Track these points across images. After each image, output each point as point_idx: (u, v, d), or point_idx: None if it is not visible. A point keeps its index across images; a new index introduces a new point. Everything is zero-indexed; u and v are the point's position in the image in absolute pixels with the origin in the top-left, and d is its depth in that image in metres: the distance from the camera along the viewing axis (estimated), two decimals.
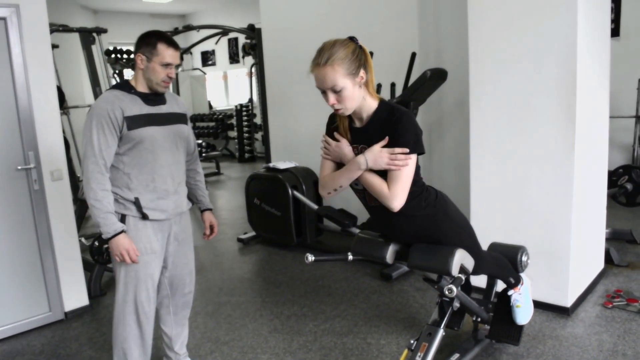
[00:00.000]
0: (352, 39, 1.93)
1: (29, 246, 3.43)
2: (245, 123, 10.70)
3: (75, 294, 3.68)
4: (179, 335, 2.77)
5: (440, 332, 2.29)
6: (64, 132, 4.92)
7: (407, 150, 1.92)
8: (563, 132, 3.02)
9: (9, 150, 3.31)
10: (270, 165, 4.94)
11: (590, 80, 3.17)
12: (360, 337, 3.12)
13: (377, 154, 1.95)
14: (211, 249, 5.08)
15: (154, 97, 2.43)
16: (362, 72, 1.92)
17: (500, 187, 3.33)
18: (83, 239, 4.28)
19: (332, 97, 1.93)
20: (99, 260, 3.97)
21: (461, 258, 2.11)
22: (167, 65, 2.35)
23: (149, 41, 2.34)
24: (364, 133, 2.03)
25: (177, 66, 2.42)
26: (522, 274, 2.70)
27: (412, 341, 2.31)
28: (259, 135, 10.73)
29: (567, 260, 3.15)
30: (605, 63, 3.46)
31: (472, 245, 2.23)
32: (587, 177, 3.26)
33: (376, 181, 1.98)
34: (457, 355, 2.62)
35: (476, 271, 2.30)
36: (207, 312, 3.59)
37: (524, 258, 2.65)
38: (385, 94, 4.15)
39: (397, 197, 1.95)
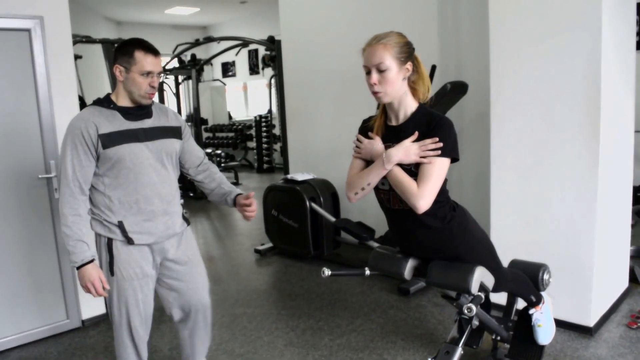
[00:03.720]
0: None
1: (48, 254, 3.46)
2: (264, 134, 10.74)
3: (92, 302, 3.68)
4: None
5: (459, 351, 2.23)
6: None
7: (437, 140, 1.91)
8: (587, 147, 2.96)
9: (31, 159, 3.35)
10: (289, 176, 4.93)
11: (615, 94, 3.11)
12: (376, 353, 3.07)
13: (408, 147, 1.94)
14: (228, 260, 5.08)
15: (137, 110, 2.24)
16: (409, 65, 1.96)
17: (521, 202, 3.27)
18: None
19: (375, 76, 1.93)
20: None
21: (481, 276, 2.07)
22: (147, 74, 2.17)
23: (125, 50, 2.17)
24: (399, 131, 2.00)
25: (159, 73, 2.25)
26: (543, 293, 2.64)
27: (429, 359, 2.26)
28: (277, 146, 10.75)
29: (590, 278, 3.07)
30: (631, 76, 3.39)
31: (492, 262, 2.18)
32: (611, 193, 3.19)
33: (405, 178, 1.94)
34: None
35: (496, 289, 2.25)
36: (223, 323, 3.57)
37: (546, 276, 2.59)
38: None
39: (425, 196, 1.90)
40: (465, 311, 2.04)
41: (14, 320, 3.38)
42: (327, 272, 2.21)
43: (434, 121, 1.95)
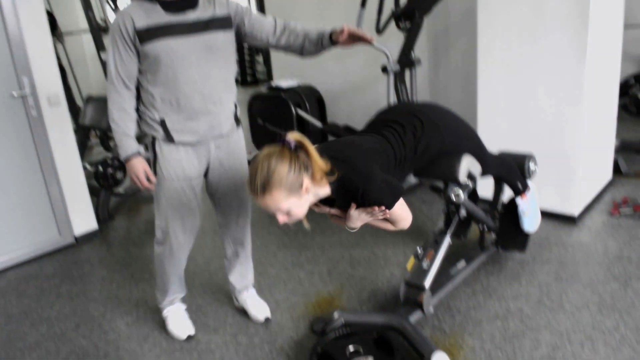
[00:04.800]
0: (284, 144, 1.67)
1: (33, 173, 3.43)
2: (246, 45, 10.42)
3: (83, 219, 3.71)
4: (236, 267, 2.60)
5: (447, 240, 2.29)
6: (59, 59, 4.80)
7: (383, 207, 1.78)
8: (575, 39, 2.89)
9: (3, 76, 3.22)
10: (273, 84, 4.82)
11: None
12: (367, 249, 3.15)
13: (357, 217, 1.85)
14: None
15: (179, 2, 2.05)
16: (305, 181, 1.68)
17: (508, 94, 3.23)
18: (87, 165, 4.27)
19: (281, 217, 1.71)
20: (105, 185, 3.98)
21: (468, 163, 2.07)
22: None
23: None
24: (334, 201, 1.92)
25: None
26: (529, 182, 2.66)
27: (418, 249, 2.32)
28: (260, 58, 10.48)
29: (576, 169, 3.11)
30: None
31: (477, 150, 2.18)
32: (598, 85, 3.15)
33: (381, 224, 1.94)
34: (463, 263, 2.63)
35: (484, 172, 2.25)
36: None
37: (532, 165, 2.61)
38: (389, 3, 3.97)
39: (404, 224, 1.93)
40: (453, 197, 2.06)
41: (6, 242, 3.40)
42: None
43: (357, 195, 1.77)
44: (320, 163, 1.70)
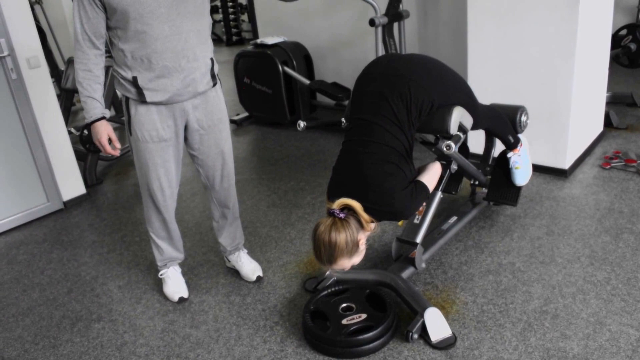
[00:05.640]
0: (334, 216, 1.84)
1: (16, 138, 3.35)
2: (230, 3, 10.17)
3: (71, 184, 3.66)
4: (224, 229, 2.57)
5: (438, 195, 2.27)
6: (38, 21, 4.65)
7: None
8: None
9: None
10: (258, 41, 4.69)
11: None
12: None
13: None
14: None
15: None
16: (360, 237, 1.87)
17: (499, 47, 3.17)
18: (73, 129, 4.19)
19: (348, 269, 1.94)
20: (91, 149, 3.91)
21: (459, 115, 2.03)
22: None
23: None
24: None
25: None
26: (521, 136, 2.64)
27: None
28: (245, 17, 10.24)
29: (567, 122, 3.08)
30: None
31: (468, 102, 2.14)
32: (590, 37, 3.09)
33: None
34: (454, 218, 2.63)
35: (475, 126, 2.22)
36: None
37: (524, 118, 2.57)
38: None
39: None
40: (444, 148, 2.03)
41: None
42: (303, 124, 2.16)
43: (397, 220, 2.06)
44: (366, 216, 1.86)
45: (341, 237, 1.80)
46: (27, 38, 3.28)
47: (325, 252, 1.82)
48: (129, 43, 2.00)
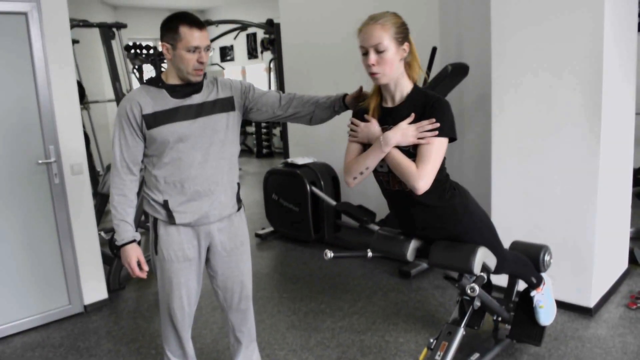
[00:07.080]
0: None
1: (49, 239, 3.46)
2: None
3: (94, 288, 3.70)
4: (240, 353, 2.55)
5: (461, 331, 2.25)
6: (84, 126, 4.97)
7: (434, 120, 1.89)
8: (588, 128, 2.95)
9: (30, 144, 3.33)
10: (289, 160, 4.92)
11: (616, 76, 3.09)
12: (378, 335, 3.09)
13: (405, 129, 1.92)
14: None
15: (184, 88, 2.15)
16: (406, 45, 1.93)
17: (522, 183, 3.27)
18: (102, 233, 4.31)
19: (373, 57, 1.89)
20: (118, 254, 3.99)
21: (483, 256, 2.07)
22: (194, 49, 2.04)
23: (169, 26, 2.05)
24: (395, 113, 1.98)
25: (207, 48, 2.10)
26: (544, 274, 2.64)
27: (431, 340, 2.28)
28: (277, 131, 10.71)
29: (591, 259, 3.08)
30: (632, 58, 3.37)
31: (494, 243, 2.18)
32: (612, 174, 3.18)
33: (404, 160, 1.91)
34: (477, 355, 2.57)
35: (498, 270, 2.25)
36: None
37: (547, 257, 2.60)
38: None
39: (424, 177, 1.88)
40: (469, 291, 2.05)
41: (16, 306, 3.39)
42: (330, 254, 2.21)
43: (429, 102, 1.93)
44: (418, 61, 1.99)
45: (398, 18, 1.94)
46: (74, 146, 3.50)
47: (380, 14, 1.91)
48: (163, 169, 2.15)
